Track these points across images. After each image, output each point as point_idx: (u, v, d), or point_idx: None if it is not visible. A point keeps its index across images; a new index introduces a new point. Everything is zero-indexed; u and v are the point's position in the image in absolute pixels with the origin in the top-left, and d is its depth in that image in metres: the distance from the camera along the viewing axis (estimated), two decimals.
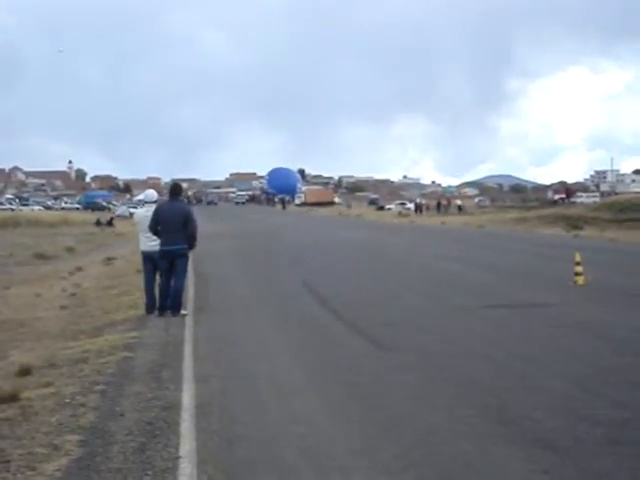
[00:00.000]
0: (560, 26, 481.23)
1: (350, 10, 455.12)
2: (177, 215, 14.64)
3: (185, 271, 15.32)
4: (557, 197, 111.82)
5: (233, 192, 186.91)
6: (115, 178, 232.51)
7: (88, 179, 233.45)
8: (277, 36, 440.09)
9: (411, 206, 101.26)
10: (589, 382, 8.68)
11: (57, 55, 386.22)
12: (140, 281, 16.23)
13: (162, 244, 14.60)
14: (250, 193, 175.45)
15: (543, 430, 7.01)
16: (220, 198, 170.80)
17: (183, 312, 14.74)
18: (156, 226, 14.60)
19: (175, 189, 15.58)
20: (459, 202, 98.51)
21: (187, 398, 8.60)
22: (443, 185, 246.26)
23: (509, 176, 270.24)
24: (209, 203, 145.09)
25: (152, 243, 14.86)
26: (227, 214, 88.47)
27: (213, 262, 26.69)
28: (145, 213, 15.24)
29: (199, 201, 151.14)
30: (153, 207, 15.10)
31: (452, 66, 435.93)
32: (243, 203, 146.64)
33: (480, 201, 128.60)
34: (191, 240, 14.85)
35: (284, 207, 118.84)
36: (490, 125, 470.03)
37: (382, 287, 18.19)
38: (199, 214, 61.95)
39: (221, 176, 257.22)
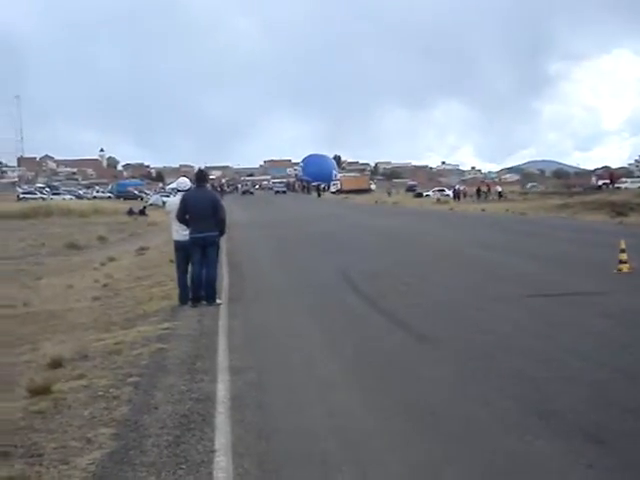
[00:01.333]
0: (603, 7, 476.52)
1: None
2: (205, 202, 14.59)
3: (217, 259, 15.30)
4: (601, 182, 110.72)
5: (267, 180, 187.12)
6: (147, 166, 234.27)
7: (120, 167, 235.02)
8: (310, 21, 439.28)
9: (450, 193, 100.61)
10: (635, 373, 8.48)
11: (87, 43, 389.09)
12: (173, 271, 16.17)
13: (192, 232, 14.55)
14: (285, 180, 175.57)
15: (587, 423, 6.85)
16: (254, 186, 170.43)
17: (218, 301, 14.70)
18: (184, 214, 14.55)
19: (201, 176, 15.52)
20: (499, 188, 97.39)
21: (222, 390, 8.54)
22: (483, 171, 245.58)
23: (551, 161, 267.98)
24: (244, 192, 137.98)
25: (185, 232, 14.80)
26: (262, 202, 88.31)
27: (247, 251, 26.68)
28: (177, 202, 15.14)
29: (233, 189, 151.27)
30: None
31: (492, 49, 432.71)
32: (284, 192, 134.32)
33: (532, 187, 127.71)
34: (221, 226, 14.79)
35: (319, 195, 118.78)
36: (531, 109, 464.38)
37: (420, 276, 17.97)
38: (232, 204, 62.18)
39: (255, 163, 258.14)
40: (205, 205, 14.55)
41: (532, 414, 7.18)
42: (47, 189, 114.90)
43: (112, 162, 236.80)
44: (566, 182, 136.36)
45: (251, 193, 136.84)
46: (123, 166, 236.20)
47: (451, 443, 6.52)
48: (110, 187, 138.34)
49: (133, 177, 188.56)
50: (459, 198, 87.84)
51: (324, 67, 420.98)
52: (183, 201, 14.68)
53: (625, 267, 17.01)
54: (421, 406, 7.64)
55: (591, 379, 8.27)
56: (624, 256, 17.19)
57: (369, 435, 6.84)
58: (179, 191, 15.58)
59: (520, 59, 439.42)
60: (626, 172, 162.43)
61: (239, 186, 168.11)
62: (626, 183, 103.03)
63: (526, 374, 8.58)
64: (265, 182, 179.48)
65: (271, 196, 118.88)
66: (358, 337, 11.18)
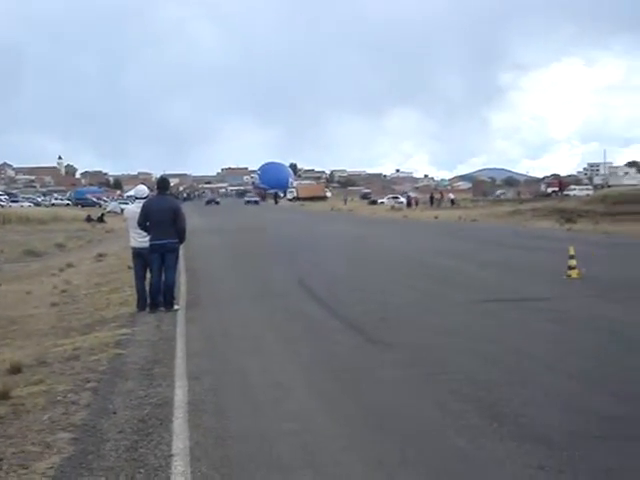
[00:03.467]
0: (553, 18, 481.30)
1: (342, 5, 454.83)
2: (166, 210, 14.64)
3: (176, 266, 15.34)
4: (550, 190, 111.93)
5: (224, 187, 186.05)
6: (105, 174, 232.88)
7: (78, 175, 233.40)
8: (269, 30, 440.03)
9: (404, 200, 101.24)
10: (584, 376, 8.66)
11: (47, 51, 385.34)
12: (131, 278, 16.17)
13: (152, 239, 14.59)
14: (242, 188, 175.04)
15: (538, 425, 6.98)
16: (212, 193, 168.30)
17: (176, 307, 14.77)
18: (145, 221, 14.59)
19: (162, 184, 15.58)
20: (452, 196, 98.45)
21: (180, 395, 8.56)
22: (436, 179, 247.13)
23: (502, 169, 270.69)
24: (209, 202, 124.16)
25: (142, 239, 14.84)
26: (225, 210, 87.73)
27: (205, 257, 26.67)
28: (135, 209, 15.17)
29: (188, 198, 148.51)
30: None
31: (444, 60, 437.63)
32: (256, 202, 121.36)
33: (501, 194, 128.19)
34: (181, 234, 14.85)
35: (276, 202, 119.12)
36: (482, 118, 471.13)
37: (376, 282, 18.14)
38: (193, 212, 61.82)
39: (212, 171, 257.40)
40: (166, 213, 14.59)
41: (485, 416, 7.30)
42: (5, 197, 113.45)
43: (70, 170, 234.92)
44: (516, 190, 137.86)
45: (217, 203, 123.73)
46: (81, 174, 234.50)
47: (405, 444, 6.60)
48: (68, 194, 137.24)
49: (91, 184, 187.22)
50: (411, 205, 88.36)
51: (281, 76, 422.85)
52: (144, 208, 14.70)
53: (574, 273, 17.34)
54: (377, 408, 7.75)
55: (542, 382, 8.43)
56: (573, 262, 17.53)
57: (325, 438, 6.92)
58: (137, 198, 15.61)
59: (472, 69, 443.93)
60: (575, 180, 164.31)
61: (195, 193, 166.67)
62: (574, 190, 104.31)
63: (479, 377, 8.72)
64: (222, 190, 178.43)
65: (238, 205, 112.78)
66: (315, 342, 11.25)
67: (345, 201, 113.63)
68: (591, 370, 8.93)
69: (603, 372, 8.83)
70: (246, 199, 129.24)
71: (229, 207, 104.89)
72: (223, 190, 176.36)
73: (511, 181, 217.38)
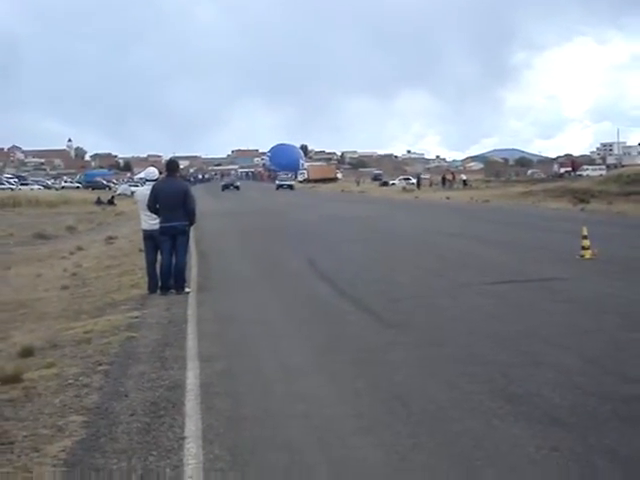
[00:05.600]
0: None
1: None
2: (175, 192, 14.64)
3: (186, 248, 15.38)
4: (563, 170, 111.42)
5: (234, 169, 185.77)
6: (115, 156, 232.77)
7: (88, 157, 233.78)
8: (279, 12, 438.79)
9: (415, 181, 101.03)
10: (598, 357, 8.62)
11: (55, 34, 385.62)
12: (142, 260, 16.18)
13: (162, 221, 14.60)
14: (252, 170, 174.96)
15: (551, 406, 6.96)
16: (228, 176, 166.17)
17: (187, 289, 14.77)
18: (155, 204, 14.59)
19: (171, 165, 15.54)
20: (464, 177, 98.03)
21: (191, 378, 8.57)
22: (448, 159, 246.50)
23: (514, 150, 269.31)
24: (226, 187, 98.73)
25: (153, 222, 14.84)
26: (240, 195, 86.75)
27: (216, 240, 26.65)
28: (145, 191, 15.17)
29: (201, 180, 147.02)
30: None
31: (456, 40, 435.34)
32: (290, 187, 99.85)
33: (533, 173, 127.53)
34: (191, 216, 14.86)
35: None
36: (495, 98, 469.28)
37: (386, 264, 18.13)
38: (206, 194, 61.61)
39: (222, 153, 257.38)
40: (175, 195, 14.60)
41: (498, 398, 7.27)
42: (15, 179, 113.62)
43: (80, 152, 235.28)
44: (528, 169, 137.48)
45: (236, 188, 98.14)
46: (91, 156, 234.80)
47: (418, 426, 6.59)
48: (78, 177, 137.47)
49: (101, 167, 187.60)
50: (419, 187, 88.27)
51: (291, 58, 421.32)
52: (154, 190, 14.70)
53: (587, 253, 17.28)
54: (389, 391, 7.72)
55: (555, 363, 8.39)
56: (586, 242, 17.46)
57: (337, 420, 6.91)
58: (147, 181, 15.60)
59: (484, 49, 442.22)
60: (588, 160, 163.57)
61: (206, 176, 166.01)
62: (587, 171, 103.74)
63: (492, 359, 8.69)
64: (232, 171, 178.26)
65: (263, 191, 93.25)
66: (326, 324, 11.26)
67: (357, 183, 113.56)
68: (604, 351, 8.89)
69: (616, 353, 8.79)
70: (278, 182, 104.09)
71: (254, 193, 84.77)
72: (233, 172, 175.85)
73: (523, 161, 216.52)
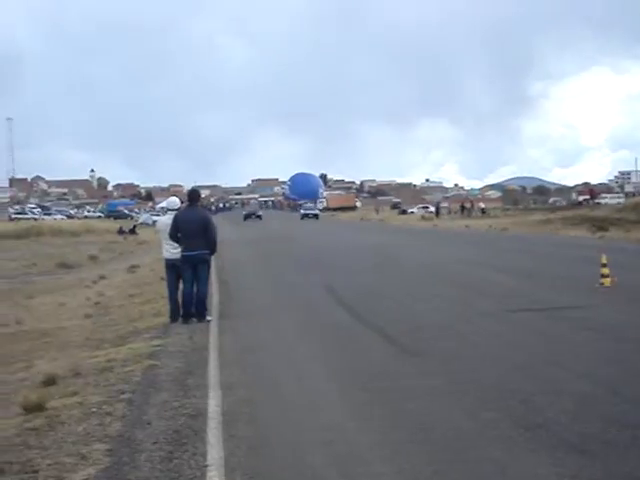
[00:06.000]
0: (581, 27, 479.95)
1: (368, 14, 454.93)
2: (196, 221, 14.77)
3: (208, 277, 15.49)
4: (582, 198, 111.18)
5: (254, 198, 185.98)
6: (137, 186, 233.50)
7: (110, 187, 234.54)
8: (296, 42, 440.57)
9: (433, 209, 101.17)
10: (617, 385, 8.62)
11: (79, 63, 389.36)
12: (164, 289, 16.28)
13: (183, 250, 14.71)
14: (272, 199, 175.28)
15: (571, 434, 6.96)
16: (244, 204, 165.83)
17: (208, 318, 14.84)
18: (176, 233, 14.71)
19: (193, 195, 15.70)
20: (482, 205, 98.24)
21: (213, 406, 8.62)
22: (466, 188, 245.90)
23: (533, 178, 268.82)
24: (249, 216, 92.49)
25: (175, 251, 14.95)
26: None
27: (237, 268, 26.73)
28: (167, 221, 15.29)
29: (222, 209, 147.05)
30: None
31: (474, 70, 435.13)
32: (316, 217, 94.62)
33: (555, 201, 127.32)
34: (212, 245, 14.98)
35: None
36: (513, 128, 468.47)
37: (406, 292, 18.14)
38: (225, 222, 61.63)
39: (243, 182, 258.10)
40: (197, 224, 14.72)
41: (518, 426, 7.28)
42: (38, 209, 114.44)
43: (102, 182, 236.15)
44: (546, 198, 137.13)
45: (258, 217, 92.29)
46: (113, 186, 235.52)
47: (440, 454, 6.62)
48: (101, 207, 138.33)
49: (123, 197, 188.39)
50: (438, 215, 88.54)
51: (310, 87, 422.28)
52: (175, 220, 14.84)
53: (607, 281, 17.23)
54: (410, 418, 7.75)
55: (575, 391, 8.40)
56: (606, 270, 17.41)
57: (358, 448, 6.94)
58: (169, 210, 15.74)
59: (502, 79, 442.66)
60: (606, 188, 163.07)
61: (227, 205, 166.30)
62: (606, 199, 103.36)
63: (511, 387, 8.70)
64: (253, 200, 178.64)
65: (286, 220, 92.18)
66: (347, 352, 11.30)
67: (377, 211, 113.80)
68: (624, 379, 8.89)
69: (636, 381, 8.80)
70: (303, 212, 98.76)
71: (276, 223, 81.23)
72: (253, 201, 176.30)
73: (542, 190, 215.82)
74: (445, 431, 7.27)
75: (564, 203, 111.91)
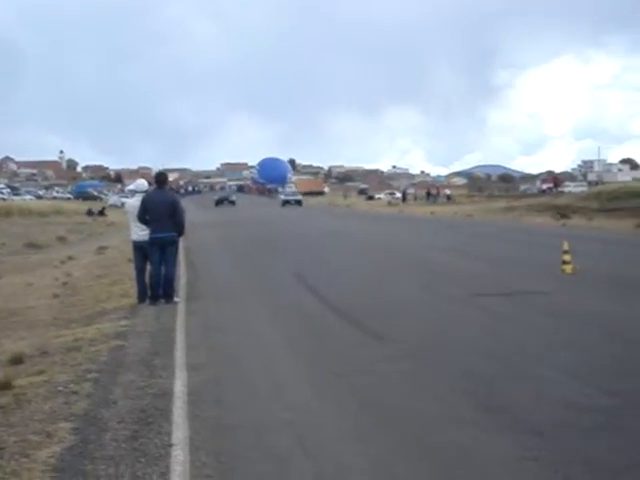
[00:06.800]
0: (548, 16, 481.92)
1: (339, 4, 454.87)
2: (164, 203, 14.82)
3: (175, 259, 15.56)
4: (545, 186, 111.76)
5: (223, 182, 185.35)
6: (106, 168, 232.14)
7: (79, 169, 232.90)
8: (267, 28, 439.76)
9: (400, 195, 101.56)
10: (578, 370, 8.73)
11: (49, 47, 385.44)
12: (132, 270, 16.28)
13: (151, 232, 14.75)
14: (241, 183, 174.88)
15: (533, 417, 7.08)
16: (212, 188, 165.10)
17: (176, 299, 14.91)
18: (144, 215, 14.75)
19: (160, 177, 15.72)
20: (448, 191, 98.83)
21: (179, 386, 8.66)
22: (432, 175, 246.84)
23: (497, 166, 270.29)
24: (221, 201, 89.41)
25: (143, 232, 14.97)
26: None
27: (205, 251, 26.74)
28: (135, 203, 15.31)
29: (191, 192, 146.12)
30: None
31: (442, 58, 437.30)
32: (299, 202, 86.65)
33: (527, 189, 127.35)
34: (180, 227, 15.03)
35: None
36: (479, 116, 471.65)
37: (373, 277, 18.24)
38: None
39: (212, 166, 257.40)
40: (164, 206, 14.76)
41: (481, 409, 7.40)
42: (7, 190, 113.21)
43: (72, 164, 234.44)
44: (510, 186, 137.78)
45: (231, 202, 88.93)
46: (82, 168, 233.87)
47: (403, 437, 6.70)
48: (70, 188, 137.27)
49: (92, 178, 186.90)
50: (404, 200, 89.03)
51: (280, 73, 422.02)
52: (143, 202, 14.86)
53: (568, 268, 17.42)
54: (375, 401, 7.83)
55: (537, 375, 8.52)
56: (567, 257, 17.61)
57: (323, 429, 7.01)
58: (137, 192, 15.75)
59: (469, 67, 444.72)
60: (569, 176, 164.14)
61: (195, 188, 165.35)
62: (569, 187, 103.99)
63: (475, 371, 8.81)
64: (222, 184, 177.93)
65: (261, 206, 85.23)
66: (313, 335, 11.37)
67: (345, 196, 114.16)
68: (583, 364, 8.99)
69: (595, 366, 8.90)
70: (284, 198, 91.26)
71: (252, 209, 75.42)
72: (223, 185, 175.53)
73: (506, 177, 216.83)
74: (409, 414, 7.35)
75: (535, 191, 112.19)
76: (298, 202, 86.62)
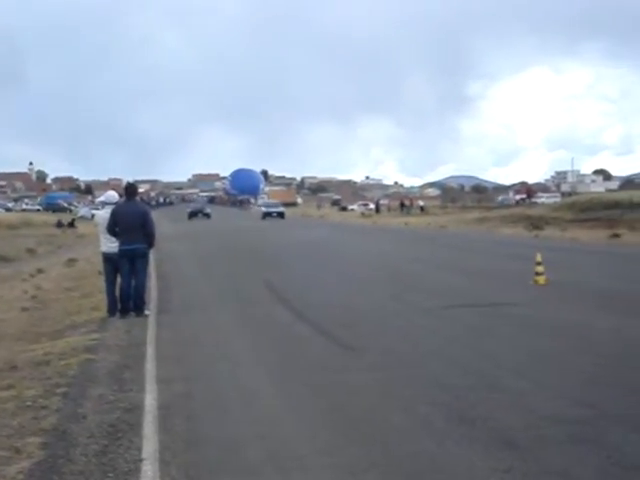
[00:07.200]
0: (521, 26, 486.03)
1: (313, 14, 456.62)
2: (134, 215, 14.73)
3: (146, 271, 15.44)
4: (518, 197, 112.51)
5: (195, 193, 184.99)
6: (76, 179, 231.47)
7: (49, 180, 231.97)
8: (239, 39, 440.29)
9: (373, 206, 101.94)
10: (550, 381, 8.76)
11: (16, 58, 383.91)
12: (102, 283, 16.18)
13: (121, 244, 14.64)
14: (213, 194, 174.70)
15: (505, 429, 7.06)
16: (184, 199, 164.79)
17: (146, 312, 14.81)
18: (114, 227, 14.66)
19: (130, 189, 15.61)
20: (421, 202, 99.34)
21: (150, 400, 8.61)
22: (406, 185, 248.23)
23: (471, 177, 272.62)
24: (194, 213, 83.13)
25: (113, 244, 14.88)
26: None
27: (176, 263, 26.65)
28: (105, 215, 15.22)
29: (162, 204, 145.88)
30: None
31: (415, 69, 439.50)
32: (280, 215, 77.39)
33: (504, 200, 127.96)
34: (150, 239, 14.92)
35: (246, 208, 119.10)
36: (452, 127, 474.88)
37: (346, 288, 18.23)
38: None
39: (183, 177, 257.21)
40: (134, 218, 14.66)
41: (452, 420, 7.38)
42: None
43: (41, 175, 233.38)
44: (482, 197, 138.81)
45: (206, 215, 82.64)
46: (52, 179, 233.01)
47: (373, 448, 6.67)
48: (39, 200, 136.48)
49: (62, 190, 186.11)
50: (377, 211, 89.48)
51: (252, 83, 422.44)
52: (113, 213, 14.77)
53: (541, 279, 17.50)
54: (346, 412, 7.81)
55: (508, 387, 8.52)
56: (540, 268, 17.68)
57: (294, 442, 6.98)
58: (107, 204, 15.64)
59: (442, 78, 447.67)
60: (543, 187, 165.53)
61: (167, 200, 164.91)
62: (542, 198, 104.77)
63: (447, 382, 8.80)
64: (195, 195, 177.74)
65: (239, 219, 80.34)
66: (284, 346, 11.35)
67: (319, 207, 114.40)
68: (556, 375, 9.01)
69: (568, 377, 8.92)
70: (265, 210, 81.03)
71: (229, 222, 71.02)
72: (195, 196, 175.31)
73: (479, 188, 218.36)
74: (381, 425, 7.33)
75: (512, 202, 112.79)
76: (280, 214, 77.78)
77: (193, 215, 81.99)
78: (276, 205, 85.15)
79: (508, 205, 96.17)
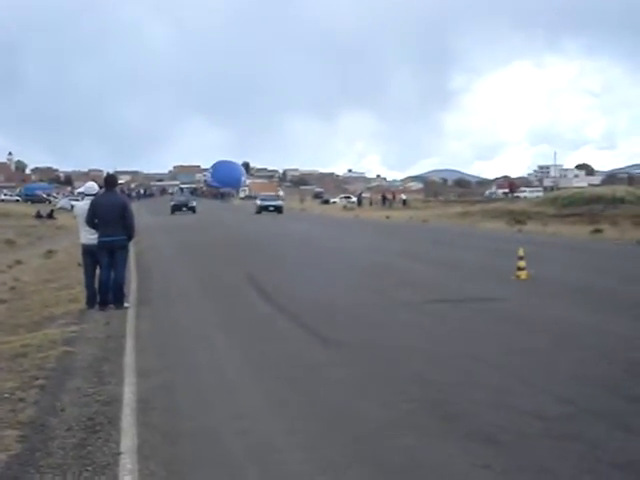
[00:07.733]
0: (504, 21, 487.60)
1: (296, 7, 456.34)
2: (114, 207, 14.61)
3: (125, 263, 15.33)
4: (501, 192, 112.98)
5: (176, 185, 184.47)
6: (56, 170, 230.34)
7: (28, 171, 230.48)
8: (220, 31, 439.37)
9: (355, 200, 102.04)
10: (531, 377, 8.76)
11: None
12: (81, 275, 16.07)
13: (100, 235, 14.54)
14: (194, 186, 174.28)
15: (484, 425, 7.05)
16: (164, 191, 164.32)
17: (126, 305, 14.72)
18: (93, 219, 14.55)
19: (110, 180, 15.47)
20: (404, 196, 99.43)
21: (128, 393, 8.55)
22: (388, 179, 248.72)
23: (454, 170, 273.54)
24: (177, 207, 74.24)
25: (92, 236, 14.77)
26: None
27: (157, 255, 26.56)
28: (85, 206, 15.09)
29: (143, 195, 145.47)
30: None
31: (398, 63, 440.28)
32: (278, 210, 70.59)
33: (492, 194, 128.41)
34: (130, 231, 14.81)
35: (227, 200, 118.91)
36: (435, 121, 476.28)
37: (326, 282, 18.20)
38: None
39: (164, 169, 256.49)
40: (114, 209, 14.55)
41: (433, 416, 7.38)
42: None
43: (20, 166, 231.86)
44: (464, 191, 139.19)
45: (191, 209, 74.26)
46: (32, 170, 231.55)
47: (353, 443, 6.65)
48: (18, 191, 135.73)
49: (42, 181, 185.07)
50: (360, 204, 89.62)
51: (234, 74, 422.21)
52: (92, 205, 14.65)
53: (523, 274, 17.54)
54: (325, 408, 7.78)
55: (489, 382, 8.52)
56: (522, 263, 17.73)
57: (274, 436, 6.95)
58: (86, 195, 15.52)
59: (425, 72, 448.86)
60: (525, 182, 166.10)
61: (147, 191, 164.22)
62: (525, 192, 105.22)
63: (428, 377, 8.80)
64: (175, 187, 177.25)
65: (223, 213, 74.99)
66: (264, 340, 11.29)
67: (301, 200, 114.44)
68: (537, 371, 9.02)
69: (549, 373, 8.93)
70: (260, 203, 73.18)
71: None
72: (176, 188, 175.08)
73: (462, 182, 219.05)
74: (361, 420, 7.31)
75: (500, 196, 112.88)
76: (278, 209, 70.94)
77: (176, 209, 74.09)
78: (273, 199, 77.97)
79: (496, 199, 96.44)
